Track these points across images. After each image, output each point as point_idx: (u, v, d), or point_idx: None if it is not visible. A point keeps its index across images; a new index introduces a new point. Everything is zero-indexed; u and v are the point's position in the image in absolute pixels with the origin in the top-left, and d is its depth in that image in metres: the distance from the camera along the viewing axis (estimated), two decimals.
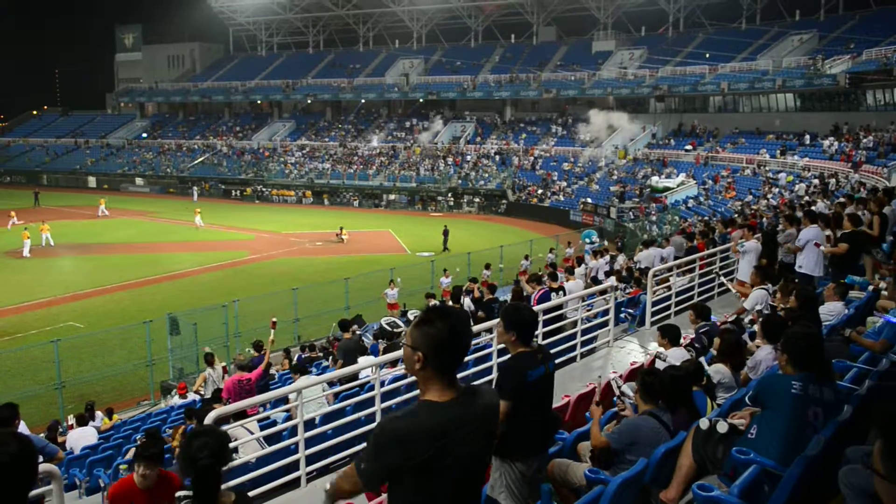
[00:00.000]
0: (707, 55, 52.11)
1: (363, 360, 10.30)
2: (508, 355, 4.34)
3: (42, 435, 10.81)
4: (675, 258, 14.87)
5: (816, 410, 4.22)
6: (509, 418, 4.01)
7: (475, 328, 8.77)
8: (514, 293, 12.98)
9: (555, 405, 6.04)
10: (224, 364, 14.90)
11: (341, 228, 38.33)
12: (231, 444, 6.57)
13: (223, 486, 3.21)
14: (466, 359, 8.42)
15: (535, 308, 9.10)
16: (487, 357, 8.39)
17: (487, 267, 24.00)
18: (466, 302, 15.09)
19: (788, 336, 4.51)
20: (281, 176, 60.94)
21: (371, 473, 2.56)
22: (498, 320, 7.83)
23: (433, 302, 16.10)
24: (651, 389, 4.85)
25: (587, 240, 29.09)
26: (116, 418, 13.95)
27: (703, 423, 4.51)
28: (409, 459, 2.44)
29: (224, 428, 6.53)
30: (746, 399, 4.49)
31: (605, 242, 27.40)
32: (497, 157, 56.44)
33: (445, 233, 36.08)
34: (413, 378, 2.74)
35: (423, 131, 62.99)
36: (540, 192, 50.09)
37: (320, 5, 73.69)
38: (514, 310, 4.28)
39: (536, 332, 8.70)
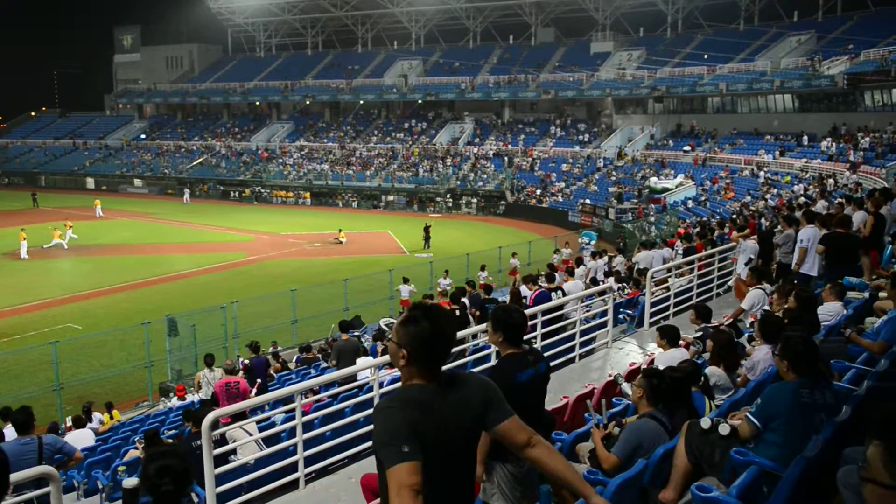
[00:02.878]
0: (705, 56, 52.14)
1: (362, 362, 10.31)
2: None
3: None
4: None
5: (822, 416, 4.22)
6: None
7: (473, 329, 8.78)
8: (511, 294, 12.98)
9: (553, 406, 6.05)
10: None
11: (340, 230, 38.36)
12: (229, 446, 6.58)
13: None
14: (465, 360, 8.45)
15: (534, 309, 9.11)
16: (487, 358, 8.39)
17: (483, 269, 23.97)
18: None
19: (787, 341, 4.49)
20: (279, 177, 60.96)
21: (417, 452, 2.42)
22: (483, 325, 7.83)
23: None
24: (657, 391, 4.84)
25: (585, 239, 29.05)
26: (116, 415, 13.93)
27: (705, 423, 4.51)
28: (405, 425, 2.49)
29: (222, 430, 6.53)
30: (750, 416, 4.40)
31: (565, 250, 27.30)
32: (505, 159, 56.36)
33: (426, 229, 36.27)
34: None
35: (435, 130, 63.08)
36: (538, 192, 50.12)
37: (319, 6, 73.70)
38: (503, 311, 4.31)
39: (535, 333, 8.71)
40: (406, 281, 22.52)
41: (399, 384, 2.89)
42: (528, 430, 2.87)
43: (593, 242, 29.34)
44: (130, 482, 4.09)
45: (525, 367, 4.10)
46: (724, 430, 4.43)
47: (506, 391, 4.02)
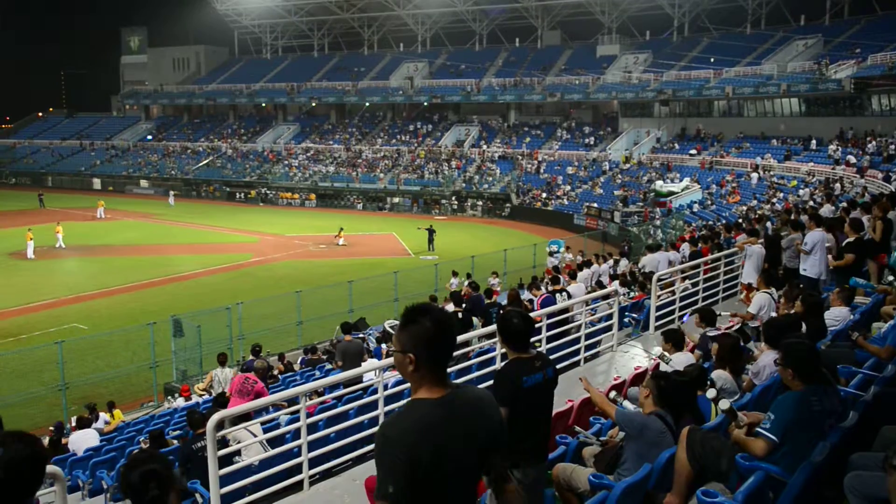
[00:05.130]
0: (712, 59, 52.07)
1: (367, 364, 10.30)
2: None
3: (46, 439, 10.86)
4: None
5: (830, 422, 4.20)
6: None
7: (475, 333, 8.77)
8: (509, 297, 12.96)
9: (558, 410, 6.03)
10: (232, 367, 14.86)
11: (340, 230, 38.29)
12: (234, 447, 6.58)
13: None
14: (469, 363, 8.43)
15: (538, 312, 9.10)
16: (491, 362, 8.38)
17: (494, 275, 23.89)
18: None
19: (789, 350, 4.45)
20: (285, 179, 61.08)
21: (397, 490, 2.42)
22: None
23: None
24: (665, 393, 4.82)
25: (554, 247, 28.51)
26: (119, 414, 13.95)
27: (710, 394, 4.55)
28: (414, 458, 2.43)
29: (227, 430, 6.53)
30: (765, 432, 4.26)
31: (566, 255, 27.06)
32: (517, 159, 56.35)
33: (430, 231, 36.34)
34: None
35: (441, 133, 63.18)
36: (544, 195, 50.09)
37: (325, 8, 73.89)
38: (503, 317, 4.31)
39: (540, 337, 8.69)
40: (455, 274, 22.66)
41: (405, 387, 2.88)
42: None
43: (562, 250, 29.01)
44: None
45: (531, 372, 4.07)
46: (724, 405, 4.47)
47: (510, 395, 4.02)
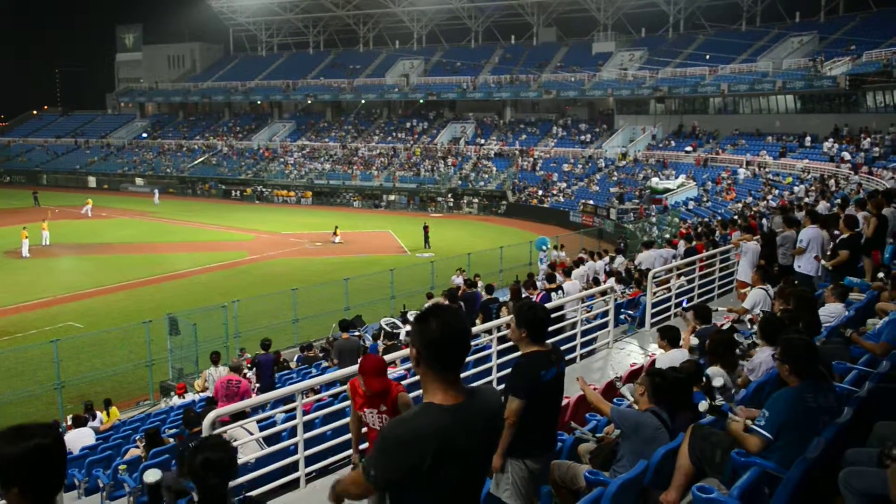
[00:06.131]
0: (707, 56, 52.08)
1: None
2: (519, 353, 4.31)
3: None
4: None
5: (825, 419, 4.21)
6: (519, 417, 3.99)
7: (475, 329, 8.76)
8: (512, 292, 12.97)
9: None
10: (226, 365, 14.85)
11: (336, 227, 38.25)
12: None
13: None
14: (467, 360, 8.43)
15: None
16: (487, 358, 8.38)
17: (477, 277, 23.80)
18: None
19: (788, 346, 4.45)
20: (281, 176, 60.97)
21: (382, 480, 2.55)
22: (505, 319, 7.84)
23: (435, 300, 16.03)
24: (659, 390, 4.83)
25: (541, 248, 28.45)
26: (115, 412, 13.92)
27: (703, 406, 4.60)
28: (417, 464, 2.45)
29: (223, 429, 6.52)
30: (759, 429, 4.24)
31: (559, 253, 26.89)
32: (511, 158, 56.34)
33: (425, 228, 36.32)
34: (415, 378, 2.75)
35: (437, 130, 63.08)
36: (540, 192, 50.12)
37: (320, 6, 73.70)
38: (528, 307, 4.29)
39: None
40: (458, 271, 22.70)
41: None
42: None
43: (555, 248, 28.78)
44: (152, 476, 4.07)
45: (548, 366, 4.07)
46: (702, 407, 4.49)
47: (529, 390, 4.02)
